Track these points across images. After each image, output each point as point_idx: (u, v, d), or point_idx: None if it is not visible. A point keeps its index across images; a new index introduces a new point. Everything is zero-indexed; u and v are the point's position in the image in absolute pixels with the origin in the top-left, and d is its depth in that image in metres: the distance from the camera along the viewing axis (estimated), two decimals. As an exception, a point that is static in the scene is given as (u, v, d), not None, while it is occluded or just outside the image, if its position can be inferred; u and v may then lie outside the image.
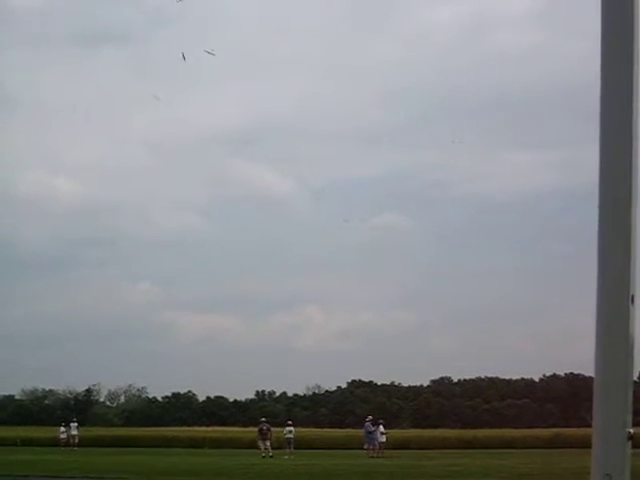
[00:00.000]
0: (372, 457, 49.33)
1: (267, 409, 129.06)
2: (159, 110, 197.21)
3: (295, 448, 55.91)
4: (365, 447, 52.79)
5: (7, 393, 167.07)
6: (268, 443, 54.18)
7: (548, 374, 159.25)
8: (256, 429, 57.94)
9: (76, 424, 70.83)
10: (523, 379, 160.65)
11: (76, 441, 68.12)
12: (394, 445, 56.09)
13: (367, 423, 54.67)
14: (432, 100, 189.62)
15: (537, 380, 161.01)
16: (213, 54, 53.01)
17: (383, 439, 54.67)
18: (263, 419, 57.46)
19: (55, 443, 68.23)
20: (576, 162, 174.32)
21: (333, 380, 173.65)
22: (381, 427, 55.44)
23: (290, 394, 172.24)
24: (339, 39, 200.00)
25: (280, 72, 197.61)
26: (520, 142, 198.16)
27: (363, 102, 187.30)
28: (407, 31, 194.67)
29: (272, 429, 56.74)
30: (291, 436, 57.69)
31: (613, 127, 2.74)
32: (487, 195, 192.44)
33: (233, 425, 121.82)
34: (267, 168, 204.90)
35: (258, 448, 53.89)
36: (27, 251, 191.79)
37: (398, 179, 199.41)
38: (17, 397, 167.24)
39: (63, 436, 69.18)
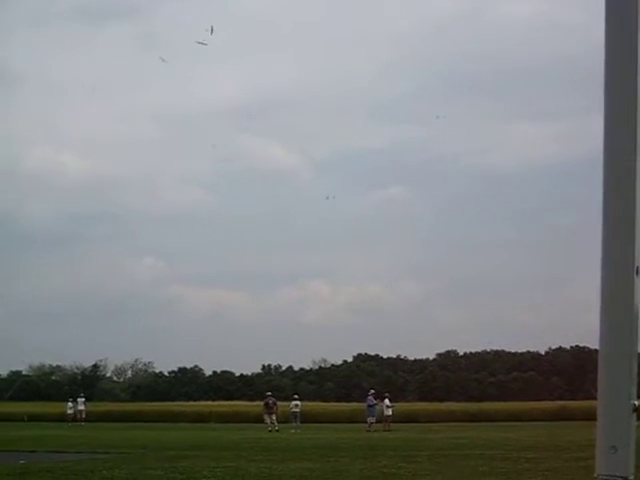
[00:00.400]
0: (369, 431, 49.22)
1: (273, 383, 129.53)
2: (165, 85, 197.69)
3: (301, 422, 56.09)
4: (368, 421, 52.66)
5: (14, 369, 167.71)
6: (274, 417, 54.31)
7: (554, 347, 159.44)
8: (262, 403, 58.10)
9: (83, 399, 71.09)
10: (529, 352, 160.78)
11: (83, 416, 68.36)
12: (400, 419, 56.22)
13: (369, 397, 54.69)
14: (434, 71, 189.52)
15: (543, 353, 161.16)
16: (205, 44, 52.52)
17: (389, 412, 54.68)
18: (269, 393, 57.61)
19: (62, 418, 68.47)
20: (579, 132, 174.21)
21: (339, 354, 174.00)
22: (387, 401, 55.43)
23: (296, 368, 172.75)
24: (340, 10, 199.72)
25: (283, 45, 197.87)
26: (522, 113, 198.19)
27: (366, 74, 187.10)
28: (408, 1, 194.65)
29: (278, 403, 56.90)
30: (297, 410, 57.86)
31: (617, 97, 2.72)
32: (490, 167, 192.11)
33: (239, 399, 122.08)
34: (271, 142, 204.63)
35: (264, 422, 54.06)
36: (33, 226, 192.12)
37: (401, 152, 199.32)
38: (24, 373, 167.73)
39: (70, 411, 69.43)
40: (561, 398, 59.78)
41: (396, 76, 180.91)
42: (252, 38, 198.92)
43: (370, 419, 52.49)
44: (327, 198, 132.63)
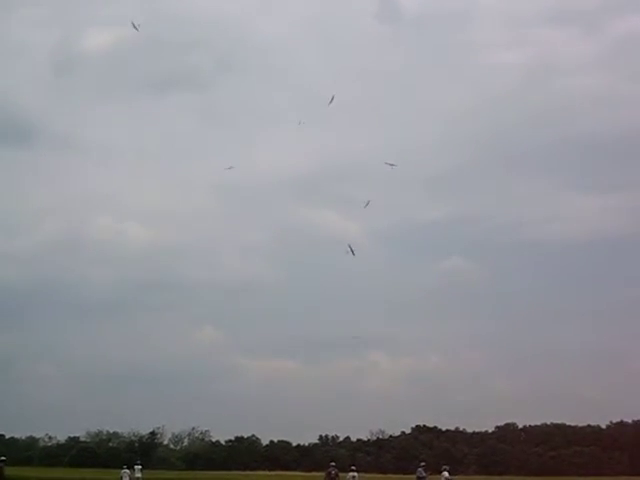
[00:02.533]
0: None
1: (330, 454, 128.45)
2: (225, 155, 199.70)
3: (359, 493, 55.54)
4: None
5: (72, 435, 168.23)
6: (336, 488, 53.90)
7: (615, 421, 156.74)
8: (323, 474, 57.62)
9: (140, 466, 70.99)
10: (590, 426, 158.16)
11: (140, 484, 68.24)
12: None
13: (419, 469, 53.90)
14: (496, 144, 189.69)
15: (604, 427, 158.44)
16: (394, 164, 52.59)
17: (449, 485, 53.96)
18: (332, 463, 57.04)
19: (118, 485, 68.36)
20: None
21: (397, 425, 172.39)
22: (446, 473, 54.64)
23: (354, 439, 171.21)
24: (403, 84, 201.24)
25: (344, 118, 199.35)
26: (586, 185, 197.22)
27: (426, 146, 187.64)
28: (471, 75, 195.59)
29: (339, 474, 56.30)
30: (354, 481, 57.32)
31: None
32: (553, 239, 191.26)
33: (296, 470, 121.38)
34: (331, 213, 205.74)
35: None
36: (94, 294, 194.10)
37: (463, 223, 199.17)
38: (82, 439, 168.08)
39: (126, 478, 69.26)
40: (623, 473, 58.52)
41: (458, 148, 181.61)
42: (312, 109, 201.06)
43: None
44: (349, 251, 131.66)
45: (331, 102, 43.37)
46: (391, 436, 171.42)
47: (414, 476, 56.89)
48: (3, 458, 61.29)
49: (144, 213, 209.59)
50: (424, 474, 53.72)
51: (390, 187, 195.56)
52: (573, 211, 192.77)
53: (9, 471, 59.86)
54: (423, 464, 54.48)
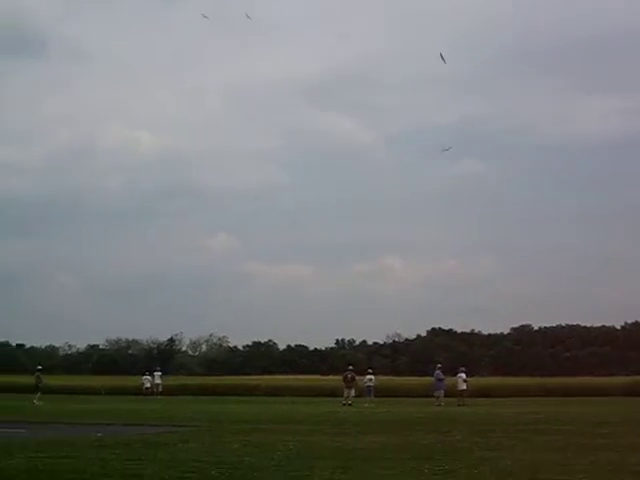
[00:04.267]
0: (438, 405, 48.78)
1: (347, 357, 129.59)
2: (237, 62, 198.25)
3: (375, 396, 56.14)
4: (435, 395, 52.17)
5: (92, 343, 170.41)
6: (352, 391, 54.43)
7: (630, 321, 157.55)
8: (340, 377, 58.24)
9: (160, 373, 71.84)
10: (604, 326, 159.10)
11: (160, 390, 69.12)
12: (474, 393, 56.00)
13: (437, 371, 54.18)
14: (510, 45, 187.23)
15: (619, 328, 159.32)
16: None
17: (464, 387, 54.33)
18: (350, 367, 57.55)
19: (139, 392, 69.21)
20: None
21: (413, 328, 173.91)
22: (463, 374, 55.05)
23: (370, 342, 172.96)
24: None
25: (355, 20, 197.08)
26: (604, 86, 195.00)
27: (438, 47, 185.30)
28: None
29: (356, 377, 56.84)
30: (371, 384, 57.88)
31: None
32: (569, 140, 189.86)
33: (313, 373, 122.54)
34: (344, 117, 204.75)
35: (341, 395, 54.21)
36: (109, 203, 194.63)
37: (476, 125, 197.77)
38: (101, 347, 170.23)
39: (147, 385, 70.15)
40: (637, 373, 59.00)
41: (470, 48, 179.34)
42: (324, 13, 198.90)
43: (437, 393, 52.13)
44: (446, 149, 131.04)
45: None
46: (407, 339, 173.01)
47: (430, 378, 57.41)
48: (40, 367, 62.38)
49: (156, 121, 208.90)
50: (442, 376, 54.09)
51: (402, 91, 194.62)
52: (592, 112, 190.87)
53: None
54: (440, 366, 54.81)
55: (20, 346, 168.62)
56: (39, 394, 55.85)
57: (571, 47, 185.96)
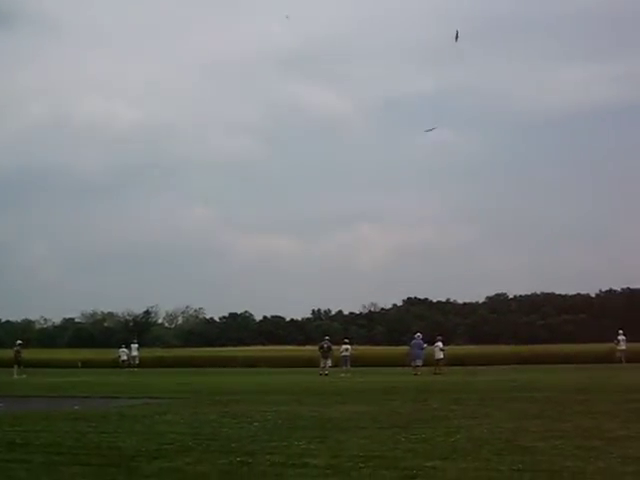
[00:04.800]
0: (416, 375, 48.68)
1: (323, 327, 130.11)
2: (211, 33, 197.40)
3: (352, 366, 56.30)
4: (413, 364, 51.97)
5: (67, 316, 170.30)
6: (329, 362, 54.60)
7: (604, 289, 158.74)
8: (316, 347, 58.41)
9: (137, 345, 71.81)
10: (579, 294, 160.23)
11: (137, 362, 69.09)
12: (450, 362, 56.16)
13: (419, 341, 53.85)
14: (487, 14, 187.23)
15: (594, 295, 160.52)
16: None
17: (441, 355, 54.45)
18: (326, 337, 57.74)
19: (115, 364, 69.22)
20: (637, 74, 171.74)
21: (389, 298, 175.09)
22: (440, 343, 55.14)
23: (346, 312, 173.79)
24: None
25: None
26: (579, 55, 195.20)
27: (415, 17, 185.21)
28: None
29: (333, 347, 57.03)
30: (347, 354, 58.00)
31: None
32: (547, 110, 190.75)
33: (290, 344, 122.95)
34: (321, 88, 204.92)
35: (320, 366, 54.34)
36: (85, 176, 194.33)
37: (451, 94, 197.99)
38: (77, 320, 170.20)
39: (124, 357, 70.13)
40: (612, 341, 59.63)
41: (446, 17, 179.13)
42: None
43: (417, 362, 52.04)
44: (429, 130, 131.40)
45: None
46: (383, 309, 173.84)
47: (406, 347, 57.45)
48: (20, 342, 62.41)
49: (131, 93, 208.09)
50: (423, 345, 53.85)
51: (377, 61, 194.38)
52: (566, 81, 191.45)
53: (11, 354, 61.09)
54: (420, 335, 54.67)
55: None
56: (20, 367, 56.29)
57: (548, 17, 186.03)
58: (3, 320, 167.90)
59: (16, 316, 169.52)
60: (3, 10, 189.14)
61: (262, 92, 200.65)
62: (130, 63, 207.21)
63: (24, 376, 51.78)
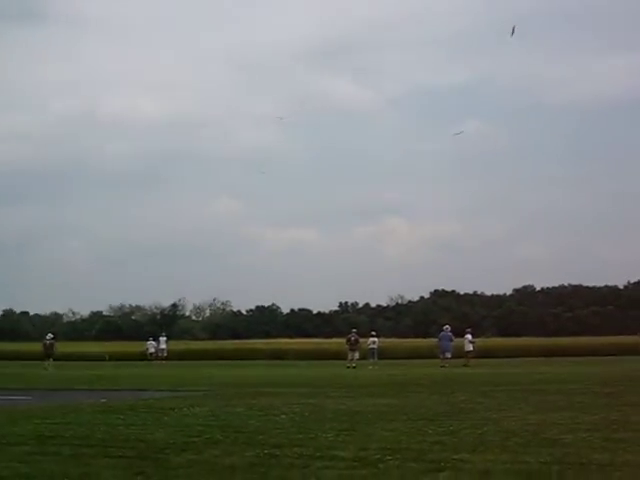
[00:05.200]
0: (443, 367, 48.44)
1: (350, 320, 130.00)
2: (239, 25, 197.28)
3: (379, 358, 56.32)
4: (442, 356, 51.70)
5: (95, 309, 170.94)
6: (356, 354, 54.74)
7: (633, 281, 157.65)
8: (343, 340, 58.51)
9: (165, 338, 72.11)
10: (607, 286, 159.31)
11: (165, 355, 69.38)
12: (477, 354, 56.09)
13: (448, 333, 53.56)
14: (518, 1, 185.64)
15: (622, 287, 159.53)
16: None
17: (470, 348, 54.36)
18: (354, 330, 57.83)
19: (143, 357, 69.57)
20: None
21: (416, 290, 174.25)
22: (469, 336, 55.06)
23: (373, 305, 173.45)
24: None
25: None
26: (616, 45, 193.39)
27: (442, 6, 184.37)
28: None
29: (360, 340, 57.13)
30: (374, 346, 58.04)
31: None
32: (573, 101, 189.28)
33: (317, 337, 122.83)
34: (345, 80, 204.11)
35: (347, 359, 54.39)
36: (112, 169, 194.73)
37: (479, 85, 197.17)
38: (105, 313, 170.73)
39: (151, 350, 70.45)
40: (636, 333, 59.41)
41: (476, 7, 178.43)
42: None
43: (446, 354, 51.84)
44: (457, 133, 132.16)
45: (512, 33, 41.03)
46: (410, 301, 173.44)
47: (434, 340, 57.36)
48: (51, 335, 62.85)
49: (159, 86, 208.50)
50: (452, 337, 53.61)
51: (405, 52, 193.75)
52: (598, 72, 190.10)
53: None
54: (448, 327, 54.40)
55: (24, 313, 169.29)
56: (50, 361, 56.89)
57: (576, 8, 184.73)
58: (32, 313, 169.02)
59: (45, 309, 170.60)
60: (35, 7, 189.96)
61: (290, 84, 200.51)
62: (159, 56, 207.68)
63: (51, 370, 52.09)
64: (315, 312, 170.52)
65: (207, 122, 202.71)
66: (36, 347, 65.04)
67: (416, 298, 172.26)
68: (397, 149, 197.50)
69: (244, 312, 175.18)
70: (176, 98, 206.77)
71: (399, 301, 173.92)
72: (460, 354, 52.81)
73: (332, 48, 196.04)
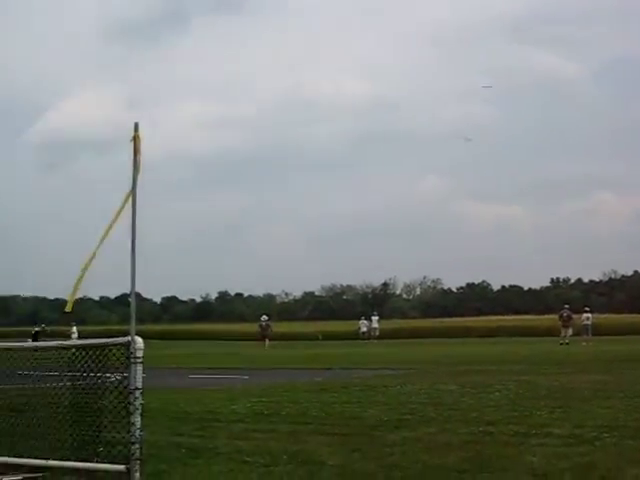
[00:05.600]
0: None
1: (562, 296, 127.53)
2: (441, 3, 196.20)
3: (593, 334, 55.25)
4: None
5: (307, 290, 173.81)
6: (570, 331, 53.89)
7: None
8: (556, 316, 57.66)
9: (377, 317, 72.72)
10: None
11: (377, 334, 69.98)
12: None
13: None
14: None
15: None
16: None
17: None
18: (566, 306, 56.93)
19: (354, 336, 70.26)
20: None
21: (630, 264, 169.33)
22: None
23: (586, 280, 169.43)
24: None
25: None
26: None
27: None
28: None
29: (573, 316, 56.19)
30: (588, 322, 57.03)
31: None
32: None
33: (528, 313, 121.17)
34: (548, 52, 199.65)
35: (558, 335, 53.62)
36: (318, 151, 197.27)
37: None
38: (317, 293, 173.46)
39: (364, 329, 71.14)
40: None
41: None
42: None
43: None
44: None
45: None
46: (623, 276, 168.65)
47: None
48: (266, 317, 64.50)
49: (360, 66, 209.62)
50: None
51: (610, 23, 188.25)
52: None
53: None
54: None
55: (239, 295, 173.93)
56: (266, 341, 58.67)
57: None
58: (246, 295, 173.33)
59: (258, 291, 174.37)
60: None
61: (489, 58, 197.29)
62: (359, 38, 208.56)
63: (267, 350, 53.50)
64: (526, 288, 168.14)
65: (411, 100, 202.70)
66: (251, 328, 66.73)
67: (630, 272, 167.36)
68: (603, 120, 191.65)
69: (454, 290, 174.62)
70: (378, 77, 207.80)
71: (612, 276, 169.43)
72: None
73: (533, 20, 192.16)
